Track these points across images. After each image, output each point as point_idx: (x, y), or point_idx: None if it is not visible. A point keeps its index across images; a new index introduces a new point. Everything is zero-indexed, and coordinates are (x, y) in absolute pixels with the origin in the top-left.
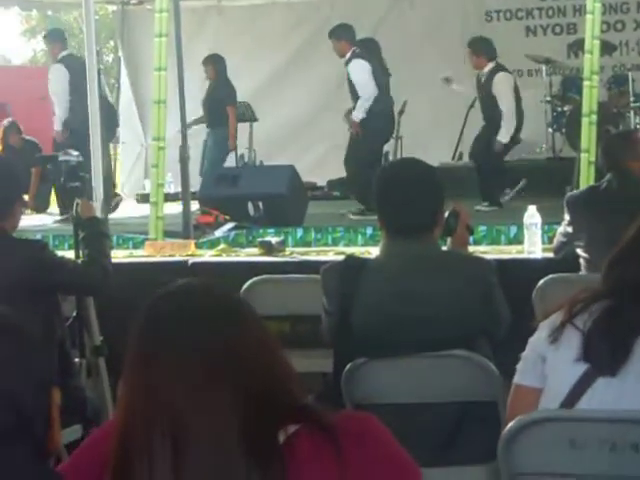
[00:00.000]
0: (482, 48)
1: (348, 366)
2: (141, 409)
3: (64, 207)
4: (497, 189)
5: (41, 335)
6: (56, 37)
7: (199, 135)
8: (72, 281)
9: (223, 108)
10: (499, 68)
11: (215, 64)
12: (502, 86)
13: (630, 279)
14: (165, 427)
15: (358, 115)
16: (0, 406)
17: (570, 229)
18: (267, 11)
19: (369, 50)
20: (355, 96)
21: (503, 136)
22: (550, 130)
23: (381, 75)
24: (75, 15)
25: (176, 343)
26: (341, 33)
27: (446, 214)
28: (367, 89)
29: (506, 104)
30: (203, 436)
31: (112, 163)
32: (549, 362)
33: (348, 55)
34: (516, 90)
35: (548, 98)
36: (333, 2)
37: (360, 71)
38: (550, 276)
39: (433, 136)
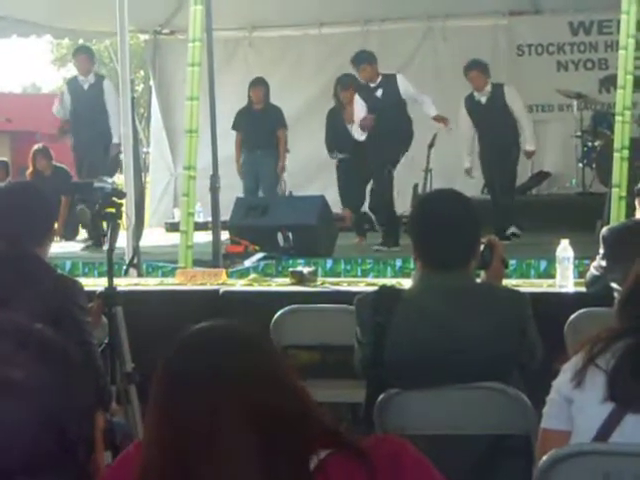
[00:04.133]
0: (486, 68)
1: (381, 396)
2: (159, 441)
3: (94, 233)
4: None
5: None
6: (86, 50)
7: (228, 165)
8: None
9: (274, 131)
10: (500, 83)
11: (265, 87)
12: (515, 96)
13: None
14: (182, 460)
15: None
16: (45, 430)
17: (604, 263)
18: (299, 43)
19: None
20: (404, 107)
21: (530, 143)
22: (580, 165)
23: None
24: (106, 44)
25: (196, 381)
26: (373, 58)
27: (481, 247)
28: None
29: (524, 113)
30: (222, 468)
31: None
32: (576, 404)
33: (380, 77)
34: None
35: (579, 133)
36: (366, 34)
37: (408, 81)
38: (582, 310)
39: (462, 169)
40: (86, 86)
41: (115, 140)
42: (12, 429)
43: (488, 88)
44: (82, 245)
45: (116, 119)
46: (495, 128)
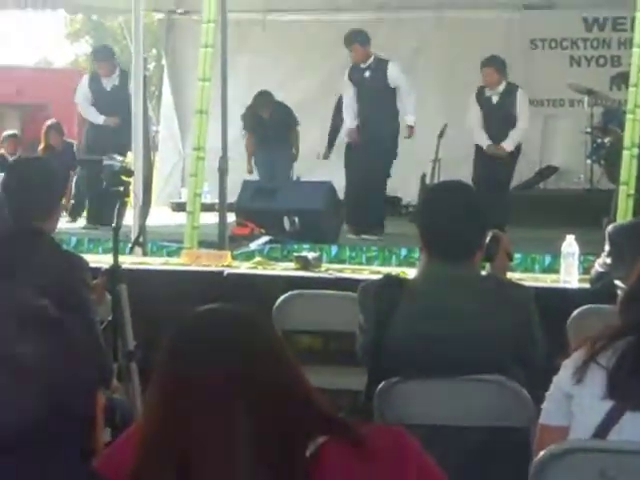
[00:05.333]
0: (502, 66)
1: (381, 385)
2: (159, 420)
3: (94, 217)
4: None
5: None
6: (105, 57)
7: (237, 147)
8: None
9: (286, 130)
10: (515, 85)
11: (270, 101)
12: (524, 103)
13: None
14: (180, 441)
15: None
16: (47, 406)
17: (609, 260)
18: (311, 27)
19: None
20: (392, 96)
21: (509, 144)
22: (589, 161)
23: None
24: (120, 21)
25: (198, 362)
26: (364, 38)
27: (486, 240)
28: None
29: (526, 121)
30: (218, 450)
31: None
32: (575, 400)
33: (372, 59)
34: None
35: (589, 129)
36: (378, 21)
37: (401, 72)
38: (585, 306)
39: (470, 160)
40: (109, 87)
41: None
42: (14, 404)
43: (501, 87)
44: (83, 224)
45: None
46: (501, 129)
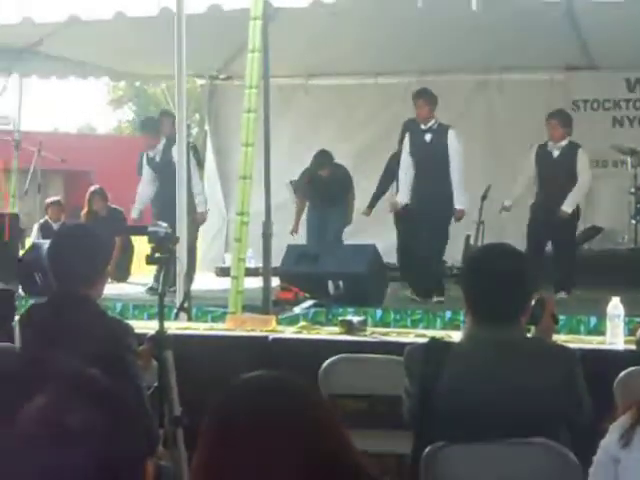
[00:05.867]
0: (567, 121)
1: (428, 449)
2: None
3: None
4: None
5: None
6: (152, 128)
7: (281, 211)
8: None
9: (343, 190)
10: (578, 144)
11: (329, 162)
12: (585, 162)
13: None
14: None
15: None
16: (98, 477)
17: None
18: (354, 91)
19: None
20: (443, 163)
21: (569, 206)
22: (633, 221)
23: None
24: (162, 87)
25: (245, 430)
26: (431, 97)
27: (532, 302)
28: (462, 164)
29: (587, 179)
30: None
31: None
32: (622, 464)
33: (433, 122)
34: None
35: (632, 190)
36: (421, 83)
37: (459, 142)
38: (632, 368)
39: (514, 222)
40: (158, 158)
41: (200, 209)
42: (65, 475)
43: (564, 142)
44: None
45: (199, 187)
46: (556, 184)
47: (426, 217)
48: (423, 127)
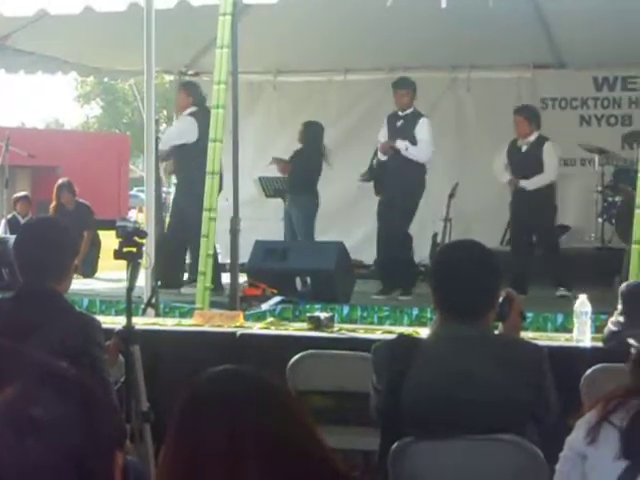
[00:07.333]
0: (534, 116)
1: (395, 445)
2: None
3: None
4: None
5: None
6: (193, 91)
7: (248, 207)
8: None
9: (309, 176)
10: (545, 138)
11: (307, 128)
12: (552, 155)
13: None
14: None
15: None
16: (66, 467)
17: (622, 319)
18: (322, 88)
19: None
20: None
21: (528, 183)
22: (600, 220)
23: None
24: (131, 82)
25: (211, 423)
26: (410, 86)
27: (500, 299)
28: (427, 152)
29: (552, 172)
30: None
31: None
32: (589, 461)
33: (412, 110)
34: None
35: (600, 188)
36: (389, 82)
37: (430, 132)
38: (599, 365)
39: (481, 219)
40: None
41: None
42: (34, 466)
43: (532, 137)
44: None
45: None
46: (526, 174)
47: (394, 193)
48: (400, 113)
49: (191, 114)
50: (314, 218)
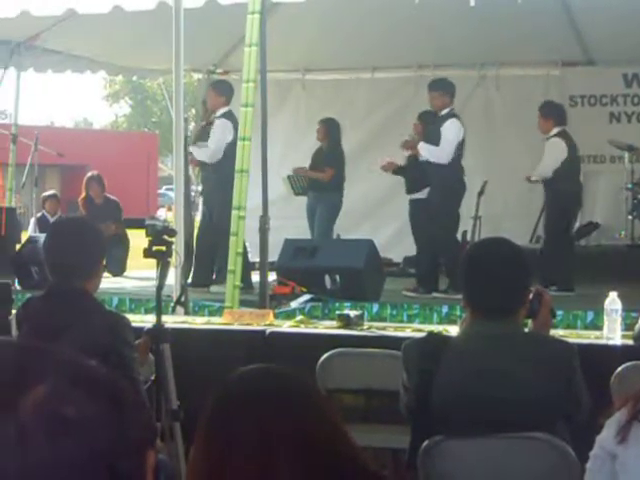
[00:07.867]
0: (550, 112)
1: (425, 443)
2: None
3: None
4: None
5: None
6: (225, 90)
7: (278, 205)
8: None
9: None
10: (560, 134)
11: (328, 126)
12: (551, 152)
13: None
14: None
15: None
16: (95, 468)
17: None
18: (351, 86)
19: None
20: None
21: (534, 175)
22: (630, 217)
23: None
24: (159, 81)
25: (242, 422)
26: (444, 87)
27: (530, 296)
28: (447, 152)
29: (544, 168)
30: None
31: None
32: (619, 460)
33: (447, 111)
34: (575, 159)
35: (629, 185)
36: (418, 80)
37: (456, 132)
38: (629, 363)
39: (511, 217)
40: None
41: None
42: (65, 466)
43: (552, 134)
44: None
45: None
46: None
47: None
48: (436, 114)
49: (224, 115)
50: (336, 217)
